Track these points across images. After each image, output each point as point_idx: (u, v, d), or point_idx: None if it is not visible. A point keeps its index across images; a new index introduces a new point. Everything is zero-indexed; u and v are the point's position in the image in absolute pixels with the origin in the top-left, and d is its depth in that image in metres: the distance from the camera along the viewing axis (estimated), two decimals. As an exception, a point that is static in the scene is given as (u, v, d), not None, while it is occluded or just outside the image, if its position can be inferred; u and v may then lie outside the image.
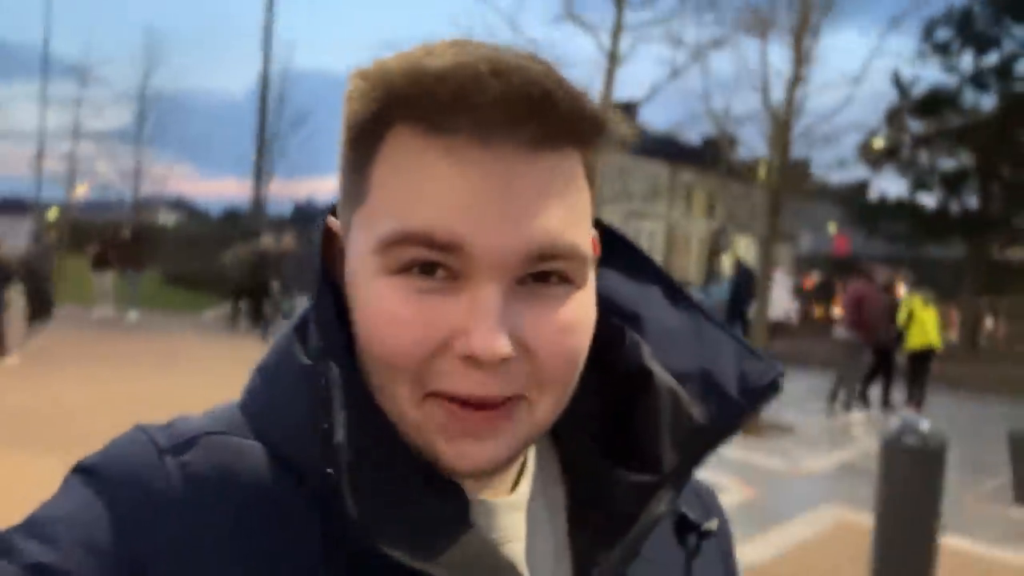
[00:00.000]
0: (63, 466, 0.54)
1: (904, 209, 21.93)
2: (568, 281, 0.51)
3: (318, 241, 0.56)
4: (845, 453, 7.92)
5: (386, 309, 0.49)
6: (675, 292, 0.64)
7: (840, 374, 10.20)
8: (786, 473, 7.11)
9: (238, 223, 24.91)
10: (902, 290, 11.08)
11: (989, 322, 20.55)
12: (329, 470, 0.48)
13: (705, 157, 12.81)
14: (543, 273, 0.50)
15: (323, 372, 0.51)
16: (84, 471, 0.52)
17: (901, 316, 10.24)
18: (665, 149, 29.31)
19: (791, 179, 10.68)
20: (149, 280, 17.74)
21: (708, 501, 0.70)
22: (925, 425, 3.75)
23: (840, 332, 10.28)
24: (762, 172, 10.34)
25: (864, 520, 4.66)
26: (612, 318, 0.61)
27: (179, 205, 40.63)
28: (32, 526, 0.49)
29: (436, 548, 0.49)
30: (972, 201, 21.55)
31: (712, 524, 0.64)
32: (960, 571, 4.80)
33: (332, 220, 0.57)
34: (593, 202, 0.54)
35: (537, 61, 0.49)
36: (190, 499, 0.50)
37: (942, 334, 11.49)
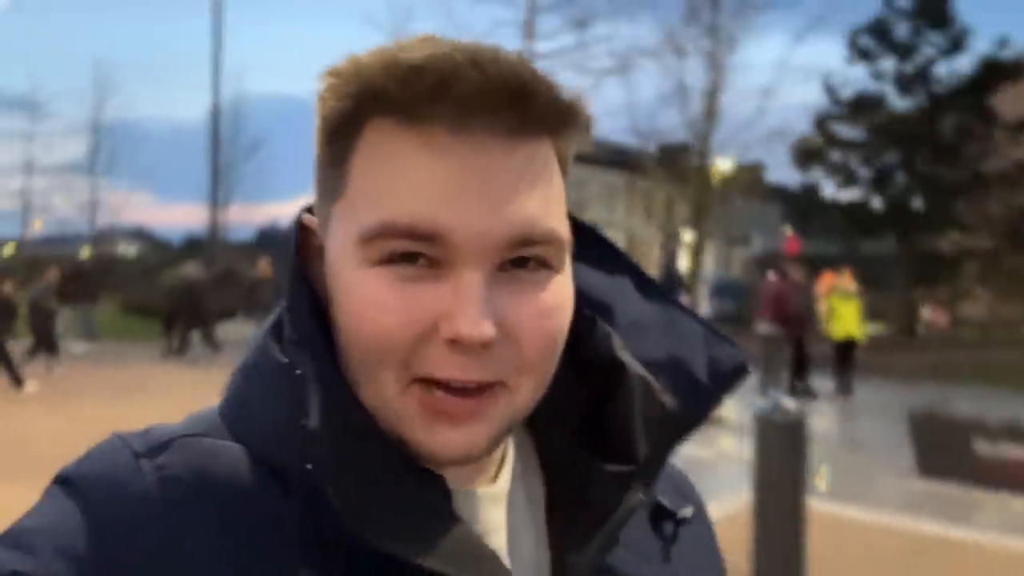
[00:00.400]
0: (31, 492, 0.54)
1: (836, 208, 22.87)
2: (547, 266, 0.52)
3: (293, 237, 0.56)
4: (768, 440, 8.46)
5: (371, 297, 0.50)
6: (645, 282, 0.64)
7: (765, 367, 10.79)
8: (711, 460, 7.63)
9: (197, 251, 24.97)
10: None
11: (927, 311, 21.42)
12: (308, 465, 0.49)
13: (661, 164, 13.36)
14: (522, 259, 0.51)
15: (297, 362, 0.51)
16: (62, 480, 0.52)
17: (821, 309, 10.89)
18: (621, 158, 29.86)
19: (728, 183, 11.27)
20: (109, 311, 17.87)
21: (684, 488, 0.70)
22: (789, 403, 4.30)
23: (762, 328, 10.89)
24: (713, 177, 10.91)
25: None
26: (583, 309, 0.60)
27: (139, 235, 40.32)
28: (9, 537, 0.49)
29: (419, 537, 0.49)
30: (899, 197, 22.44)
31: (687, 511, 0.64)
32: (859, 537, 5.34)
33: (308, 217, 0.57)
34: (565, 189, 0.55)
35: (509, 52, 0.50)
36: (167, 502, 0.50)
37: (869, 325, 12.18)
